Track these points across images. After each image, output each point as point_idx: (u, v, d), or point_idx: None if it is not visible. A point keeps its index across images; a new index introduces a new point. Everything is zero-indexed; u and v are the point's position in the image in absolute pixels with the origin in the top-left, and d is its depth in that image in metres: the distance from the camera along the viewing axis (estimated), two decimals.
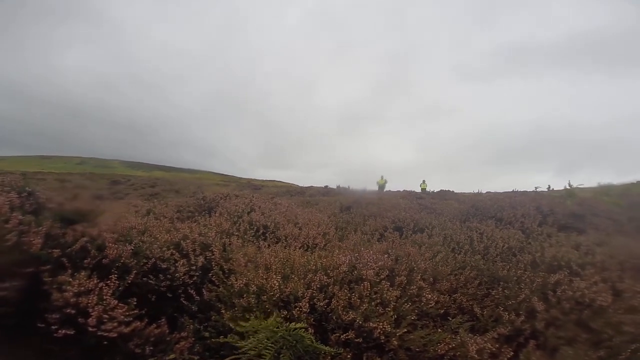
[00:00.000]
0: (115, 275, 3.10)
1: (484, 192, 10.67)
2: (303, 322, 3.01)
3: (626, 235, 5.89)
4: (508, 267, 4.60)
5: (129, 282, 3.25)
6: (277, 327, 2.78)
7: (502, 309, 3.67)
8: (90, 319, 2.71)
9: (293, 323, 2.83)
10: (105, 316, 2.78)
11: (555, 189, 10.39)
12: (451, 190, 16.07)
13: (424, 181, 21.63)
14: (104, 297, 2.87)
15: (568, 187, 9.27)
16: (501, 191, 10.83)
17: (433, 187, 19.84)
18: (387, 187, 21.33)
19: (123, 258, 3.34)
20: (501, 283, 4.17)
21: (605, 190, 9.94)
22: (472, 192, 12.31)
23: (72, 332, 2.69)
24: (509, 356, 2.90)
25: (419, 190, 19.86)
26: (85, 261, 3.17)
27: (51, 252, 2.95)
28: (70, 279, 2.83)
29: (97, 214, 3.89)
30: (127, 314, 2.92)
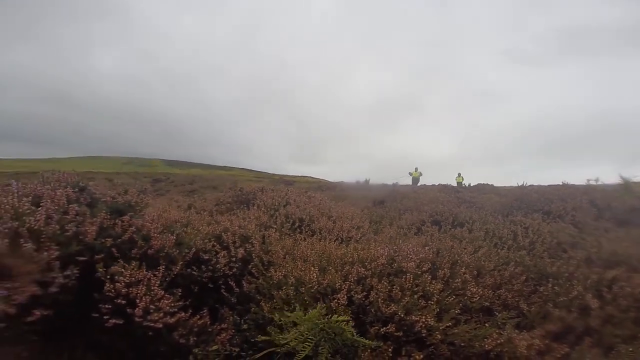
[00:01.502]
0: (163, 266, 3.23)
1: (528, 185, 10.02)
2: (342, 314, 3.00)
3: None
4: (558, 263, 4.34)
5: (175, 272, 3.37)
6: (319, 320, 2.77)
7: (551, 305, 3.52)
8: (137, 309, 2.80)
9: (335, 315, 2.82)
10: (152, 306, 2.87)
11: (606, 182, 9.55)
12: (490, 183, 15.42)
13: (459, 174, 20.78)
14: (152, 288, 2.98)
15: (622, 181, 8.46)
16: (547, 184, 10.11)
17: (474, 180, 18.94)
18: (422, 181, 20.43)
19: (167, 248, 3.48)
20: (550, 279, 3.97)
21: None
22: (514, 185, 11.60)
23: (121, 322, 2.79)
24: (562, 353, 2.77)
25: (454, 184, 19.18)
26: (133, 251, 3.33)
27: (104, 242, 3.12)
28: (123, 270, 2.97)
29: (143, 207, 4.10)
30: (173, 304, 3.01)
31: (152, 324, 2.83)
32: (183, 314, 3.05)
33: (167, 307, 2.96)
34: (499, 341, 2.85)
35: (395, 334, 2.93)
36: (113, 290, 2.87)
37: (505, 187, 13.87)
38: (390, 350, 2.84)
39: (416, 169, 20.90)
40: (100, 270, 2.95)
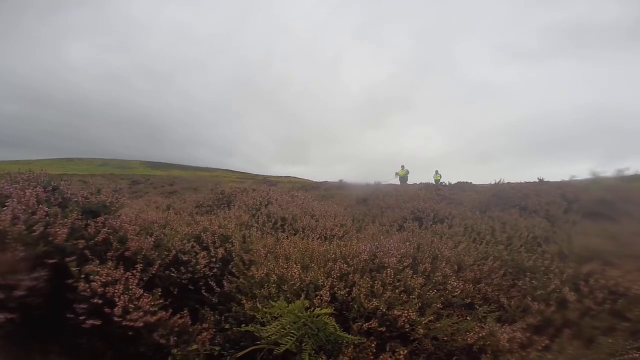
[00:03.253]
0: (140, 266, 3.14)
1: (505, 182, 10.34)
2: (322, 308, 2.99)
3: None
4: (534, 257, 4.47)
5: (153, 272, 3.29)
6: (302, 312, 2.75)
7: (530, 299, 3.60)
8: (117, 308, 2.73)
9: (318, 308, 2.80)
10: (131, 306, 2.80)
11: (579, 178, 9.99)
12: (469, 182, 15.75)
13: (437, 171, 20.25)
14: (130, 287, 2.91)
15: (592, 175, 8.93)
16: (525, 181, 10.46)
17: (461, 178, 18.81)
18: (410, 179, 19.78)
19: (144, 250, 3.39)
20: (528, 273, 4.07)
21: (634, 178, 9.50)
22: (491, 183, 11.92)
23: (98, 323, 2.72)
24: (543, 345, 2.81)
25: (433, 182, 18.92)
26: (109, 253, 3.23)
27: (76, 244, 3.01)
28: (98, 269, 2.88)
29: (119, 207, 3.97)
30: (153, 303, 2.95)
31: (132, 324, 2.76)
32: (164, 313, 2.99)
33: (147, 306, 2.89)
34: (481, 335, 2.89)
35: (379, 329, 2.94)
36: (88, 290, 2.77)
37: (483, 185, 14.24)
38: (373, 345, 2.85)
39: (402, 167, 20.25)
40: (73, 269, 2.83)
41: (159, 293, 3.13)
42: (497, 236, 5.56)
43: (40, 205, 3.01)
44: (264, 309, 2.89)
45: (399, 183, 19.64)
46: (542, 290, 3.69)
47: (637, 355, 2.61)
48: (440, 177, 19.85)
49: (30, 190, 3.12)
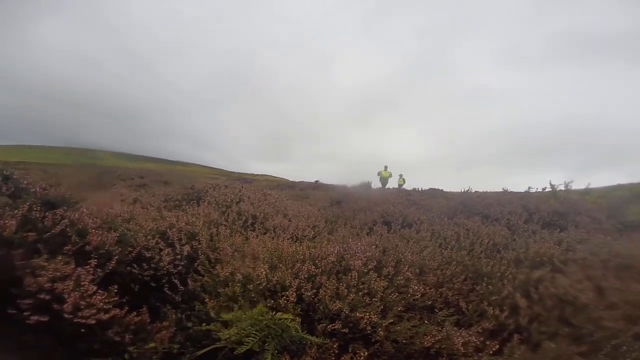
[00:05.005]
0: (95, 262, 3.01)
1: (473, 190, 10.80)
2: (290, 312, 3.00)
3: (604, 233, 6.05)
4: (492, 263, 4.63)
5: (110, 269, 3.17)
6: (262, 316, 2.75)
7: (486, 304, 3.70)
8: (66, 305, 2.62)
9: (280, 313, 2.80)
10: (83, 303, 2.70)
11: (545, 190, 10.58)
12: (440, 189, 16.06)
13: (400, 176, 18.89)
14: (82, 284, 2.79)
15: (551, 187, 9.58)
16: (491, 191, 10.95)
17: (442, 184, 18.19)
18: (391, 183, 18.48)
19: (107, 245, 3.27)
20: (485, 279, 4.20)
21: (588, 191, 10.27)
22: (460, 190, 12.33)
23: (45, 319, 2.61)
24: (494, 349, 2.91)
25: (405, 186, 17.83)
26: (66, 247, 3.09)
27: (25, 236, 2.85)
28: (45, 263, 2.74)
29: (80, 200, 3.80)
30: (107, 301, 2.85)
31: (83, 321, 2.68)
32: (118, 310, 2.91)
33: (101, 304, 2.80)
34: (437, 338, 2.95)
35: (342, 330, 2.97)
36: (34, 285, 2.63)
37: (453, 192, 14.72)
38: (335, 347, 2.88)
39: (386, 167, 18.64)
40: (18, 263, 2.68)
41: (115, 290, 3.04)
42: (461, 242, 5.78)
43: None
44: (222, 316, 2.86)
45: (379, 185, 18.36)
46: (497, 296, 3.80)
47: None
48: (404, 182, 18.59)
49: None
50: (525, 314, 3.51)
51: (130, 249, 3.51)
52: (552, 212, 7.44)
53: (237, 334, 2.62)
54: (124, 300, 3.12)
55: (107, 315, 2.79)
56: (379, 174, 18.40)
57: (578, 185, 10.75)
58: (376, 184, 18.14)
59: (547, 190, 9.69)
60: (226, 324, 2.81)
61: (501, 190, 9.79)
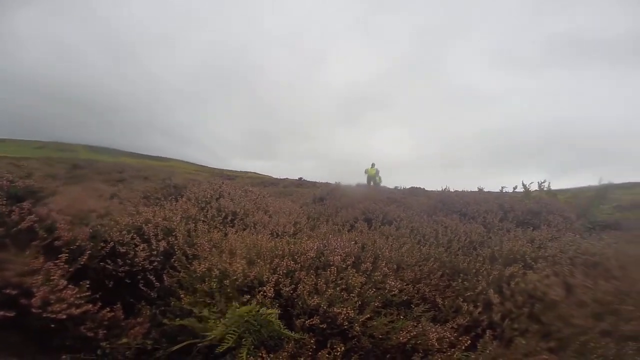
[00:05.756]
0: (66, 256, 2.93)
1: (452, 189, 11.06)
2: (268, 307, 3.00)
3: (574, 232, 6.32)
4: (468, 259, 4.74)
5: (81, 264, 3.09)
6: (249, 313, 2.73)
7: (461, 300, 3.76)
8: (35, 299, 2.56)
9: (264, 308, 2.79)
10: (52, 297, 2.63)
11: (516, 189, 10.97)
12: (422, 187, 16.27)
13: (373, 165, 17.63)
14: (52, 278, 2.72)
15: (524, 188, 9.95)
16: (468, 190, 11.24)
17: (428, 183, 17.86)
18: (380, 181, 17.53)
19: (79, 241, 3.17)
20: (461, 275, 4.29)
21: (559, 192, 10.73)
22: (439, 189, 12.54)
23: (12, 315, 2.53)
24: (466, 345, 2.96)
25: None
26: (34, 243, 2.98)
27: None
28: (13, 257, 2.65)
29: (50, 194, 3.67)
30: (78, 296, 2.78)
31: (53, 316, 2.62)
32: (91, 306, 2.86)
33: (71, 299, 2.75)
34: (413, 334, 2.99)
35: (320, 326, 3.00)
36: (1, 280, 2.58)
37: (435, 190, 14.97)
38: (313, 342, 2.90)
39: (373, 165, 17.74)
40: None
41: (87, 285, 2.98)
42: (439, 239, 5.90)
43: None
44: (209, 311, 2.83)
45: (365, 182, 17.72)
46: (471, 292, 3.89)
47: (547, 356, 2.82)
48: (377, 172, 17.41)
49: None
50: (497, 310, 3.58)
51: (102, 244, 3.41)
52: (527, 211, 7.71)
53: (221, 332, 2.60)
54: (97, 295, 3.05)
55: (78, 310, 2.73)
56: (365, 171, 17.83)
57: (555, 185, 11.25)
58: (362, 181, 17.66)
59: (521, 190, 10.06)
60: (201, 320, 2.78)
61: (477, 189, 10.07)
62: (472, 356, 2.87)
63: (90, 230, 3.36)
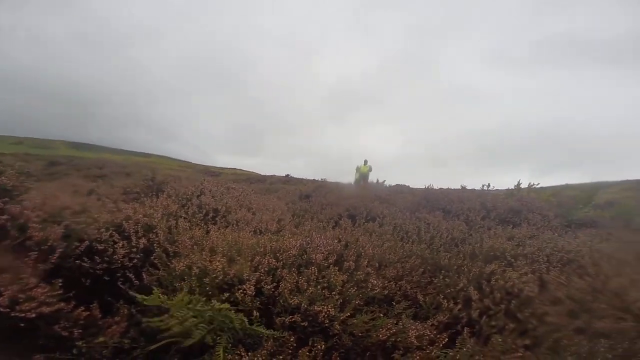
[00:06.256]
0: (35, 254, 2.84)
1: (436, 187, 11.22)
2: (248, 305, 2.97)
3: (553, 230, 6.51)
4: (449, 256, 4.79)
5: (53, 262, 3.00)
6: (191, 303, 2.68)
7: (442, 297, 3.78)
8: (2, 298, 2.50)
9: (218, 303, 2.75)
10: (22, 296, 2.57)
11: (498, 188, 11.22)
12: (406, 184, 16.27)
13: (365, 162, 16.70)
14: (21, 277, 2.64)
15: (512, 187, 10.20)
16: (452, 188, 11.41)
17: (416, 181, 17.62)
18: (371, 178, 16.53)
19: (51, 240, 3.08)
20: (442, 272, 4.32)
21: (541, 190, 11.03)
22: (424, 187, 12.62)
23: None
24: (443, 343, 2.96)
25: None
26: (5, 242, 2.88)
27: None
28: None
29: (24, 192, 3.54)
30: (49, 294, 2.71)
31: (22, 315, 2.56)
32: (64, 304, 2.80)
33: (42, 297, 2.68)
34: (392, 331, 3.00)
35: (301, 324, 2.99)
36: None
37: (419, 188, 15.11)
38: (292, 340, 2.89)
39: (365, 162, 16.93)
40: None
41: (60, 284, 2.90)
42: (422, 236, 5.97)
43: None
44: (144, 302, 2.81)
45: (358, 180, 17.01)
46: (452, 289, 3.93)
47: (522, 354, 2.84)
48: (370, 169, 16.74)
49: None
50: (476, 307, 3.62)
51: (77, 243, 3.32)
52: (508, 209, 7.89)
53: (180, 324, 2.56)
54: (71, 294, 2.99)
55: (49, 309, 2.67)
56: (358, 169, 17.09)
57: (542, 184, 11.56)
58: (352, 178, 17.08)
59: (503, 188, 10.30)
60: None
61: (460, 187, 10.25)
62: (451, 353, 2.87)
63: (63, 230, 3.25)
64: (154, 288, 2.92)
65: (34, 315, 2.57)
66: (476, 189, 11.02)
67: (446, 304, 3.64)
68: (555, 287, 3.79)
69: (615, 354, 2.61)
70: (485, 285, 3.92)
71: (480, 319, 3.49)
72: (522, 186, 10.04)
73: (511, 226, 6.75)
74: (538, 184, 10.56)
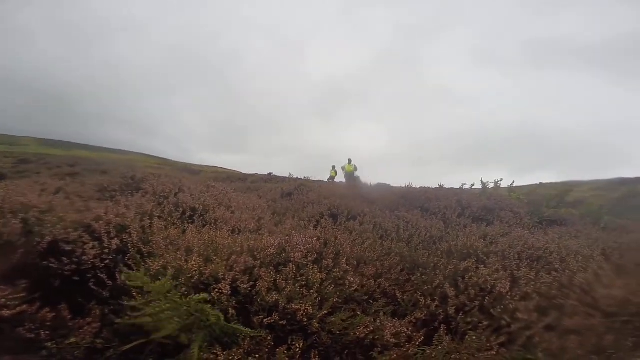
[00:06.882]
0: None
1: (415, 186, 11.43)
2: (224, 304, 2.93)
3: (524, 228, 6.76)
4: (428, 254, 4.88)
5: (14, 262, 2.87)
6: (169, 292, 2.65)
7: (419, 294, 3.80)
8: None
9: (196, 295, 2.71)
10: None
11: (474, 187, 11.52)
12: (387, 183, 16.35)
13: (350, 161, 16.79)
14: None
15: (481, 184, 10.52)
16: (430, 186, 11.64)
17: (398, 179, 17.45)
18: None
19: (6, 235, 2.93)
20: (420, 269, 4.37)
21: (513, 189, 11.44)
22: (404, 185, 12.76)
23: None
24: (420, 340, 2.94)
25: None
26: None
27: None
28: None
29: None
30: (11, 297, 2.59)
31: None
32: (27, 306, 2.71)
33: (3, 300, 2.60)
34: (370, 329, 3.00)
35: (280, 322, 2.97)
36: None
37: (400, 187, 15.31)
38: (270, 338, 2.86)
39: (350, 161, 16.83)
40: None
41: (23, 285, 2.82)
42: (401, 234, 6.07)
43: None
44: (128, 280, 2.77)
45: (343, 180, 17.03)
46: (429, 286, 3.98)
47: (496, 351, 2.86)
48: (355, 168, 16.68)
49: None
50: (453, 303, 3.66)
51: (37, 239, 3.18)
52: (482, 207, 8.15)
53: (153, 312, 2.50)
54: (37, 295, 2.89)
55: (10, 312, 2.58)
56: (343, 168, 17.02)
57: (514, 183, 11.95)
58: (339, 178, 17.22)
59: (479, 187, 10.61)
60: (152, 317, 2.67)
61: (438, 186, 10.49)
62: (427, 351, 2.87)
63: (21, 226, 3.11)
64: (134, 273, 2.83)
65: None
66: (455, 187, 11.30)
67: (423, 301, 3.66)
68: (525, 283, 3.93)
69: (585, 350, 2.66)
70: (461, 282, 4.00)
71: (457, 316, 3.53)
72: (491, 185, 10.36)
73: (485, 224, 6.96)
74: (513, 182, 10.97)
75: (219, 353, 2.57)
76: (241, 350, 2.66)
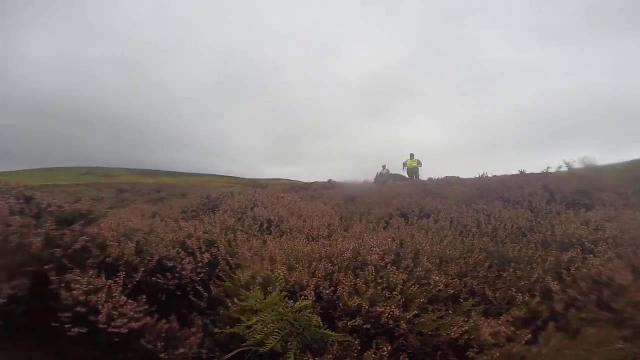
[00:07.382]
0: (123, 273, 3.15)
1: (490, 175, 10.51)
2: (309, 309, 3.01)
3: (634, 209, 5.77)
4: (518, 247, 4.49)
5: (137, 280, 3.31)
6: (277, 304, 2.77)
7: (514, 290, 3.52)
8: (100, 316, 2.77)
9: (298, 302, 2.80)
10: (115, 313, 2.84)
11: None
12: (456, 176, 15.39)
13: (412, 156, 16.19)
14: (113, 295, 2.96)
15: (567, 166, 9.21)
16: (509, 174, 10.60)
17: (467, 171, 16.66)
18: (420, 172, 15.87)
19: (126, 256, 3.38)
20: (512, 264, 4.06)
21: (608, 167, 9.88)
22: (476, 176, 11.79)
23: (84, 331, 2.76)
24: (526, 339, 2.75)
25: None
26: (88, 261, 3.23)
27: (53, 252, 3.02)
28: (79, 277, 2.91)
29: (99, 216, 3.94)
30: (137, 310, 2.99)
31: (116, 330, 2.80)
32: (149, 319, 3.02)
33: (132, 313, 2.93)
34: (464, 329, 2.87)
35: (364, 326, 2.96)
36: (70, 298, 2.82)
37: (471, 178, 14.27)
38: (357, 342, 2.85)
39: (412, 155, 16.05)
40: (53, 278, 2.85)
41: (144, 299, 3.17)
42: (482, 228, 5.65)
43: (15, 217, 2.98)
44: (241, 303, 2.90)
45: (406, 176, 16.39)
46: (526, 281, 3.66)
47: (622, 345, 2.57)
48: (418, 163, 15.92)
49: (2, 202, 3.10)
50: (559, 298, 3.35)
51: (149, 257, 3.62)
52: (575, 191, 7.18)
53: (260, 329, 2.65)
54: (154, 308, 3.24)
55: (137, 324, 2.90)
56: (404, 164, 16.13)
57: (606, 160, 10.36)
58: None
59: (565, 169, 9.33)
60: (250, 327, 2.84)
61: (518, 172, 9.49)
62: (535, 349, 2.66)
63: (134, 246, 3.57)
64: (246, 293, 3.01)
65: (125, 330, 2.82)
66: (535, 172, 10.16)
67: (521, 298, 3.39)
68: None
69: None
70: (566, 275, 3.62)
71: (566, 312, 3.21)
72: (578, 164, 9.00)
73: (584, 209, 6.12)
74: (591, 160, 9.43)
75: (310, 359, 2.65)
76: (330, 356, 2.71)
